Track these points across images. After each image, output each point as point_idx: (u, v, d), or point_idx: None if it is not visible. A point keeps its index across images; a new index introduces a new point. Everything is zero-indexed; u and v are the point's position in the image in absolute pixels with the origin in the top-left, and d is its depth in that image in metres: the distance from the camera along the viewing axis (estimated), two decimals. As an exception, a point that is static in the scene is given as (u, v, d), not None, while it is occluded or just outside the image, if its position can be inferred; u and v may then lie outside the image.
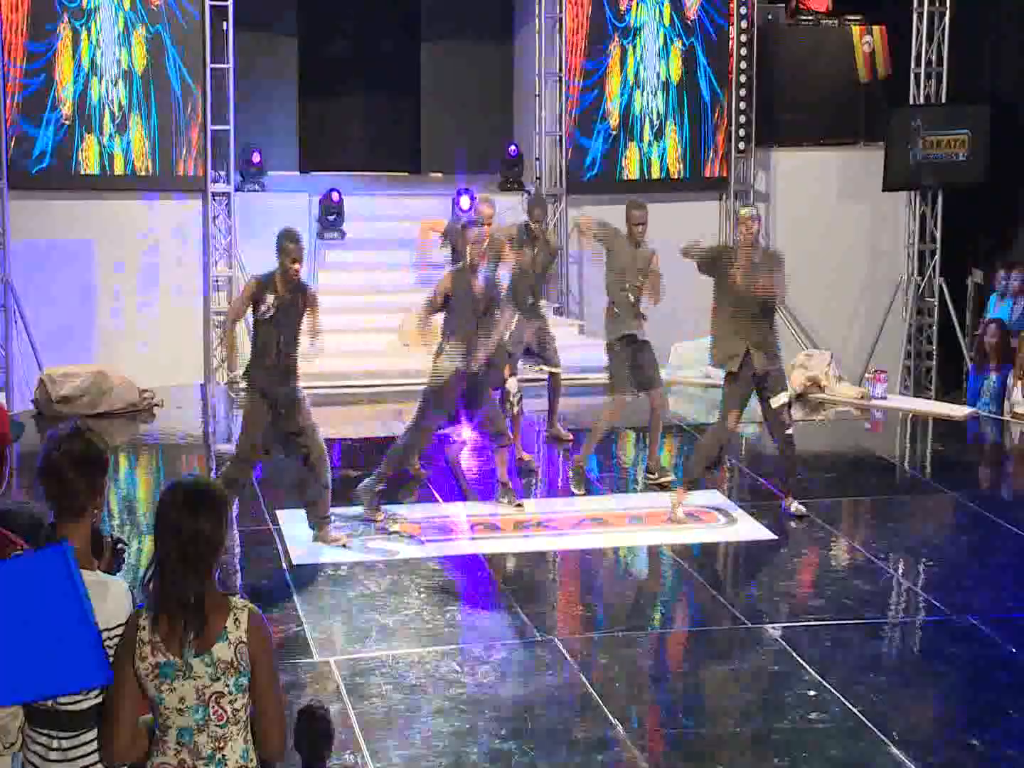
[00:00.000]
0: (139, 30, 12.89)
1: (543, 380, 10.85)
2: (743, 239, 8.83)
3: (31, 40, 12.60)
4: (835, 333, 14.38)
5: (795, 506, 9.00)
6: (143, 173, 13.05)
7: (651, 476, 9.64)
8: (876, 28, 14.70)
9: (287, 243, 8.09)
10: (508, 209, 14.00)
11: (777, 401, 8.84)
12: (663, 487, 9.50)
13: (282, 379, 8.12)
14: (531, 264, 10.12)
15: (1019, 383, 11.73)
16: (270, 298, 8.02)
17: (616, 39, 14.11)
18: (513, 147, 14.60)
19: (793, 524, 8.93)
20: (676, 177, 14.40)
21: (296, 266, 8.06)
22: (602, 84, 14.15)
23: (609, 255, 9.40)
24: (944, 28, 14.11)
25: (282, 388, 8.12)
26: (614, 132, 14.24)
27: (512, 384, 9.25)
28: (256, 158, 13.79)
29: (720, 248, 8.91)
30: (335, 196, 13.65)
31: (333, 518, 8.46)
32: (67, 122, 12.76)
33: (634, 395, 9.57)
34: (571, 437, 10.73)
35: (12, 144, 12.61)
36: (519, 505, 9.09)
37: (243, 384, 8.33)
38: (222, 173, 13.30)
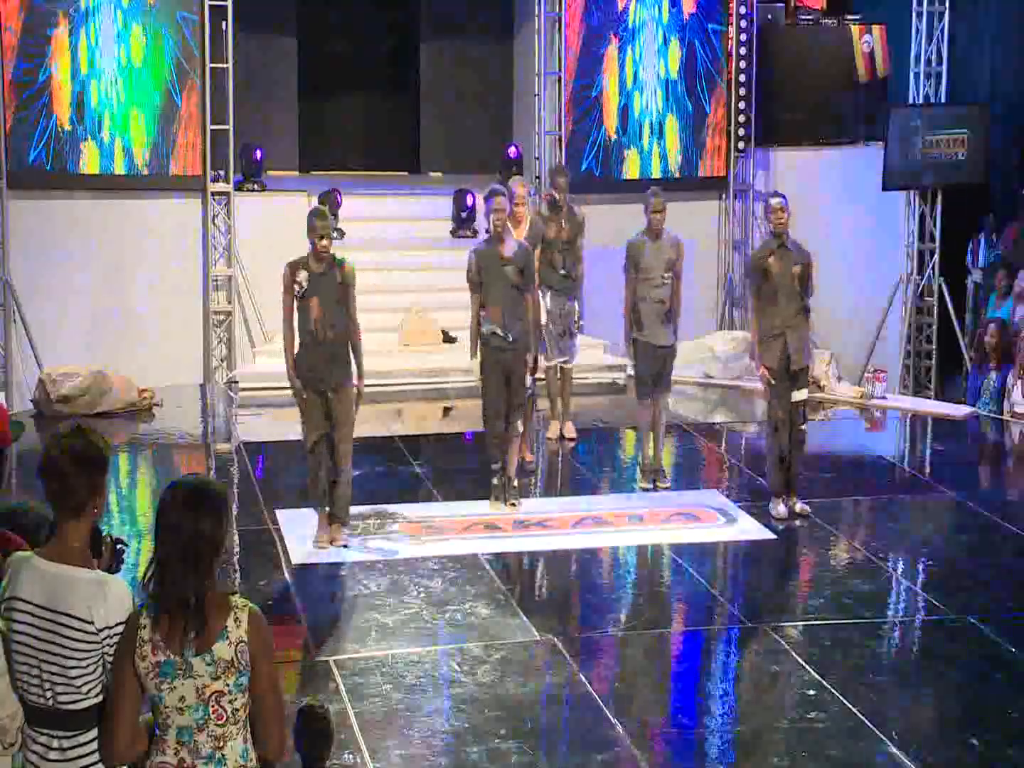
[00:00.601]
0: (138, 30, 12.89)
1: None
2: (774, 228, 8.90)
3: (30, 40, 12.58)
4: (835, 333, 14.37)
5: (799, 506, 8.99)
6: (142, 173, 13.04)
7: (645, 476, 9.64)
8: (875, 28, 14.69)
9: (314, 220, 8.15)
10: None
11: (799, 395, 8.89)
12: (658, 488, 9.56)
13: (328, 359, 8.13)
14: (558, 234, 10.15)
15: (1019, 383, 11.73)
16: (303, 274, 8.06)
17: (615, 38, 14.11)
18: (514, 148, 14.59)
19: (797, 522, 8.93)
20: (676, 176, 14.40)
21: (324, 242, 8.11)
22: (601, 83, 14.14)
23: (633, 268, 9.40)
24: (943, 28, 14.10)
25: (330, 371, 8.13)
26: (613, 132, 14.23)
27: (527, 380, 9.24)
28: (258, 155, 13.79)
29: (757, 258, 8.96)
30: (338, 198, 13.63)
31: (348, 520, 8.48)
32: (66, 122, 12.75)
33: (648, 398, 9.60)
34: (575, 435, 10.74)
35: (11, 144, 12.60)
36: (513, 504, 9.08)
37: (295, 382, 8.29)
38: (221, 173, 13.29)
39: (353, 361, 8.23)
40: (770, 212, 8.97)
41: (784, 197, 8.99)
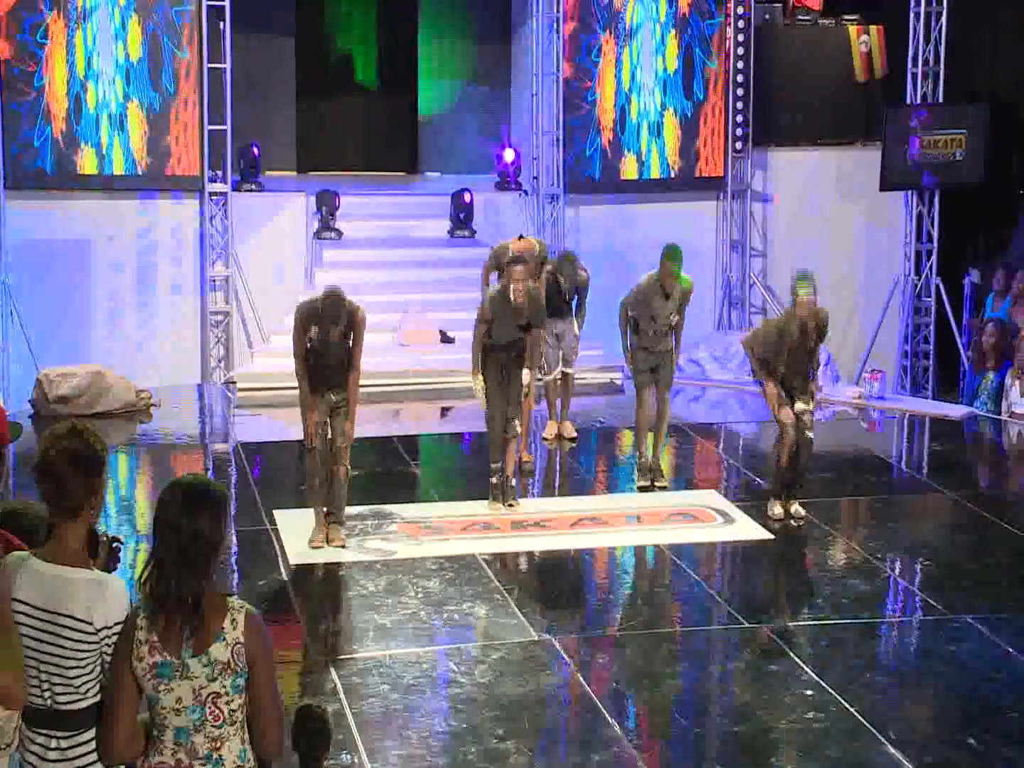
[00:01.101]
0: (135, 29, 12.87)
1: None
2: (799, 316, 8.67)
3: (27, 39, 12.57)
4: (832, 333, 14.33)
5: (795, 507, 8.98)
6: (140, 173, 13.04)
7: (643, 474, 9.62)
8: (873, 28, 14.70)
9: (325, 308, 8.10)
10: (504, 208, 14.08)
11: (803, 405, 8.80)
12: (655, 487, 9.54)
13: (330, 375, 8.21)
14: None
15: (1016, 382, 11.73)
16: (314, 329, 8.09)
17: (612, 38, 14.10)
18: (512, 152, 14.55)
19: (793, 523, 8.93)
20: (673, 177, 14.40)
21: (327, 300, 8.08)
22: (599, 83, 14.13)
23: (642, 305, 9.42)
24: (941, 28, 14.11)
25: (331, 379, 8.19)
26: (611, 132, 14.22)
27: (525, 375, 9.24)
28: (255, 151, 13.76)
29: (776, 335, 8.84)
30: (336, 200, 13.63)
31: (344, 520, 8.46)
32: (64, 122, 12.74)
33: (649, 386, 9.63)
34: (575, 435, 10.73)
35: (9, 144, 12.59)
36: (511, 505, 9.08)
37: (311, 418, 8.31)
38: (219, 173, 13.29)
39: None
40: (797, 305, 8.65)
41: (814, 281, 8.74)
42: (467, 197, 13.93)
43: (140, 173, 13.03)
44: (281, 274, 13.44)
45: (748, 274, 14.56)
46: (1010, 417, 11.73)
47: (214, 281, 13.32)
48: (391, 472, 10.07)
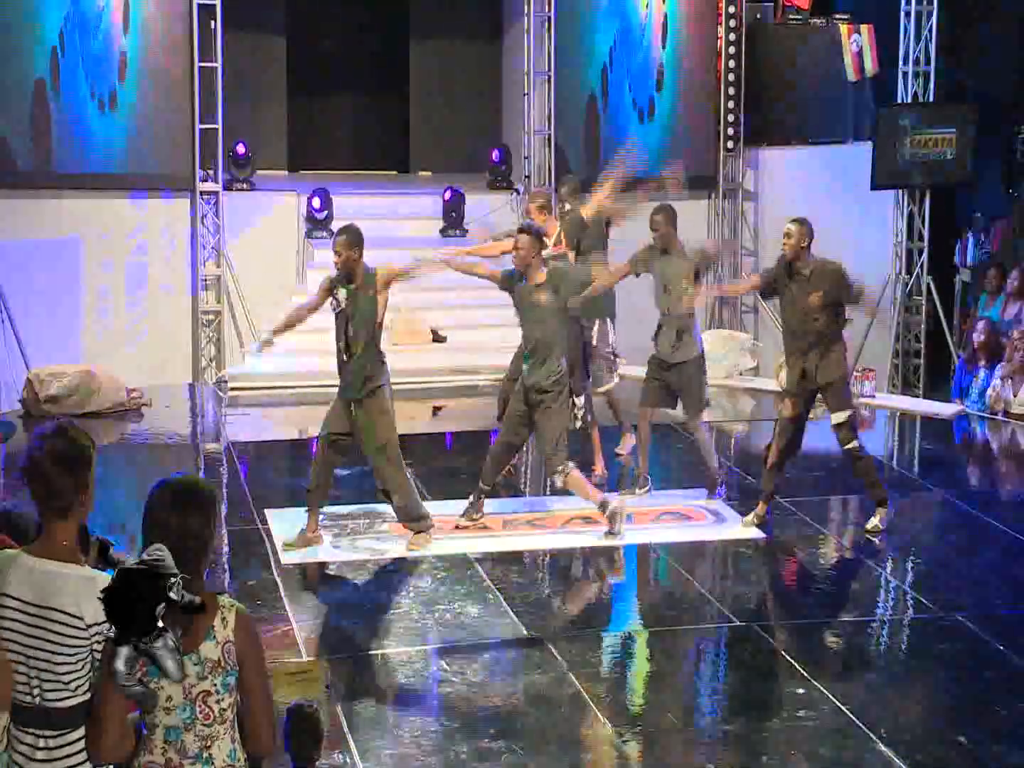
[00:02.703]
0: (127, 29, 12.84)
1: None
2: (784, 253, 8.45)
3: (16, 36, 12.52)
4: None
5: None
6: (131, 171, 13.01)
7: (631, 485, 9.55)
8: (864, 27, 14.71)
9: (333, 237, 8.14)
10: (497, 209, 14.06)
11: (836, 418, 8.62)
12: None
13: (357, 375, 8.06)
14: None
15: (1009, 381, 11.73)
16: (342, 293, 8.07)
17: (604, 35, 14.10)
18: (497, 152, 14.53)
19: (791, 520, 8.92)
20: (664, 175, 14.37)
21: (335, 259, 8.08)
22: (592, 81, 14.12)
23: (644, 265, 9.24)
24: (931, 27, 14.12)
25: (357, 385, 8.07)
26: (602, 130, 14.21)
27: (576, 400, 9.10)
28: (241, 149, 13.72)
29: (776, 269, 8.69)
30: (321, 197, 13.59)
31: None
32: (54, 119, 12.69)
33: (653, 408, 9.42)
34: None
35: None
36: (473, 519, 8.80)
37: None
38: (210, 172, 13.27)
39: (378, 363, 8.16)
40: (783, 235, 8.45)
41: (800, 222, 8.40)
42: (447, 195, 13.89)
43: (131, 172, 13.00)
44: (272, 273, 13.42)
45: (740, 273, 14.56)
46: (1013, 419, 11.71)
47: (205, 280, 13.30)
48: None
